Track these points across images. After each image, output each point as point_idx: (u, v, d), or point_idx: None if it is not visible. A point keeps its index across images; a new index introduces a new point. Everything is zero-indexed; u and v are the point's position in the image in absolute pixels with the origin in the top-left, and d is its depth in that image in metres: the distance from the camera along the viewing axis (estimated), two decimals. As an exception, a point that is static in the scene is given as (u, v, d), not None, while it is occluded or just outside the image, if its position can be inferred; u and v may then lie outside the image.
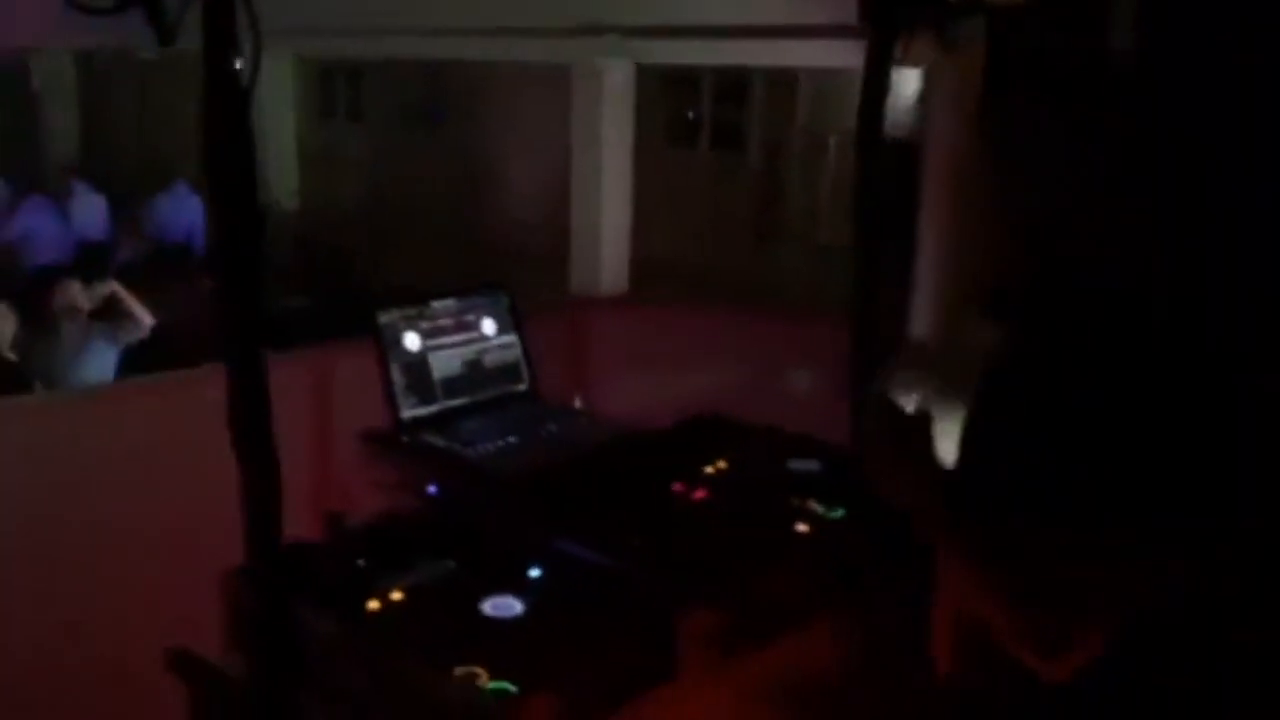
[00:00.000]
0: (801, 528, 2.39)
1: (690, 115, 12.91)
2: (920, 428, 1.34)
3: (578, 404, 3.11)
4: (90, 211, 9.75)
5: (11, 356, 5.53)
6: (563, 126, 11.71)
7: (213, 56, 1.63)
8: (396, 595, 2.03)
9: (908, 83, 2.04)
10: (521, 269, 11.85)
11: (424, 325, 2.63)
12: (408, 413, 2.55)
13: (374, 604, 2.00)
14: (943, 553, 1.46)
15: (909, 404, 1.38)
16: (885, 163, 2.15)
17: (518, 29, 9.75)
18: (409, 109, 13.98)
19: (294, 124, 13.73)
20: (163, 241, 9.64)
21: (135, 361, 6.09)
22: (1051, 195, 1.34)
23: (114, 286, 6.35)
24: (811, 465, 2.67)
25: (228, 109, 1.66)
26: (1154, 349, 1.29)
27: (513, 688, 1.76)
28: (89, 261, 7.53)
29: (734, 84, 12.55)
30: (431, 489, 2.38)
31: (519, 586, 2.08)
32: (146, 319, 6.31)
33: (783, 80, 12.24)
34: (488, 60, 12.00)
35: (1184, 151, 1.24)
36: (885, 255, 2.15)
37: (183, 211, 10.03)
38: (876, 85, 1.99)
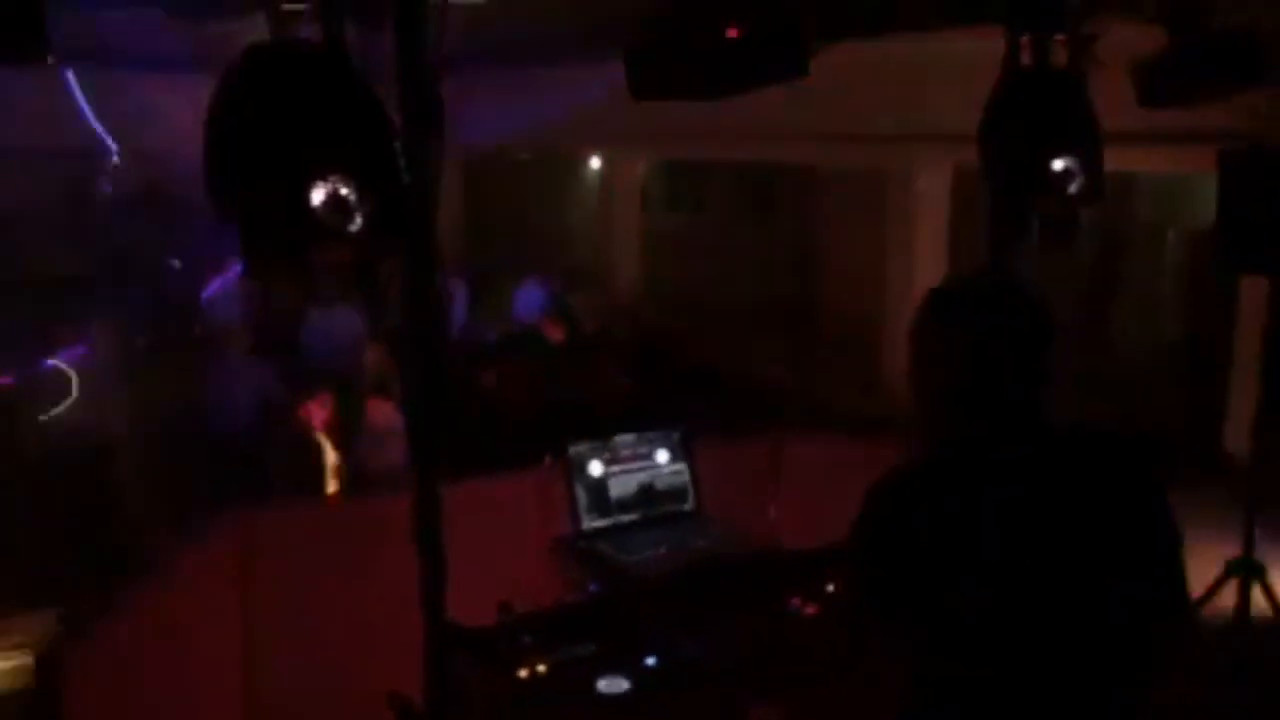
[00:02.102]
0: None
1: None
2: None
3: (772, 513, 3.71)
4: (456, 301, 11.44)
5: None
6: (882, 224, 12.21)
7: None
8: (541, 667, 2.75)
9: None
10: (840, 355, 12.44)
11: (606, 455, 3.37)
12: (587, 525, 3.30)
13: (523, 672, 2.73)
14: None
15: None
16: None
17: (842, 135, 10.49)
18: (745, 203, 15.01)
19: (639, 217, 15.17)
20: (521, 326, 11.17)
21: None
22: None
23: None
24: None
25: (409, 234, 2.23)
26: None
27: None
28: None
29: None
30: (593, 586, 3.10)
31: (634, 670, 2.74)
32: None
33: (1118, 176, 12.02)
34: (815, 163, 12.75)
35: None
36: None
37: (532, 301, 11.52)
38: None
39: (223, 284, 10.26)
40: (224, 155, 1.95)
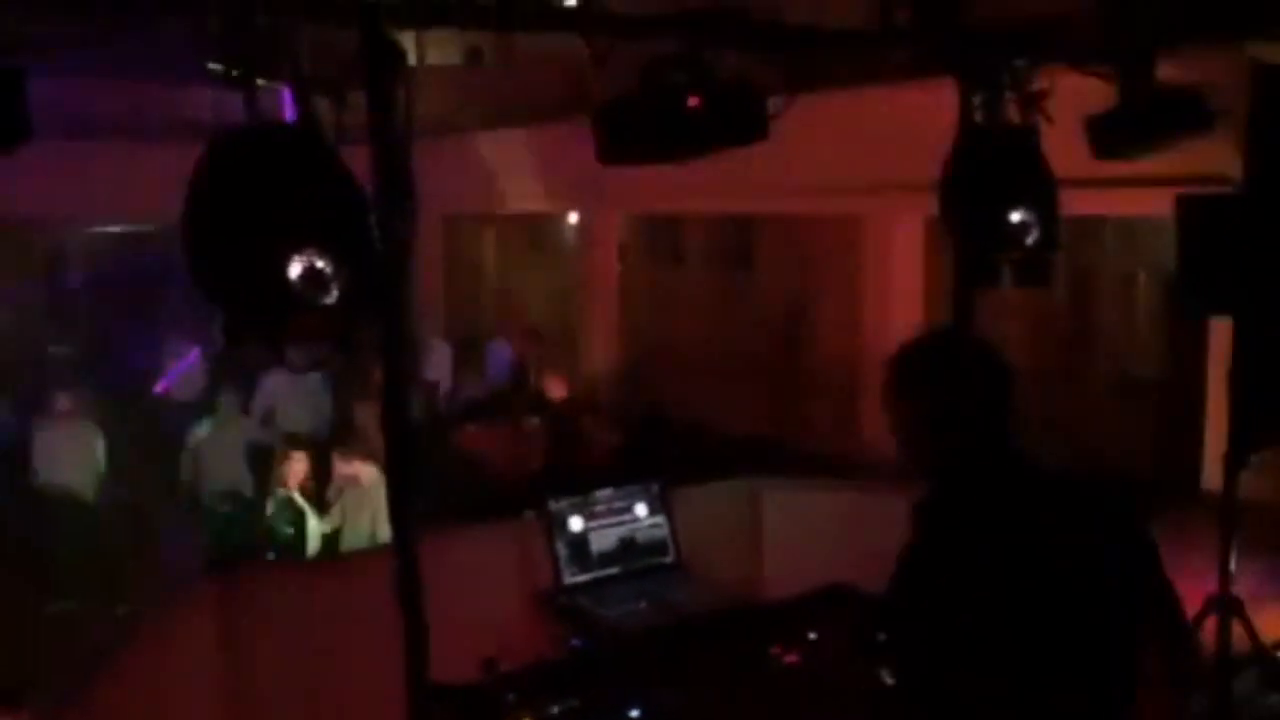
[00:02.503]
0: (859, 691, 2.91)
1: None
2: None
3: (752, 564, 3.75)
4: (439, 358, 11.53)
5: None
6: (859, 271, 12.34)
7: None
8: (526, 723, 2.78)
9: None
10: (822, 407, 12.52)
11: (586, 510, 3.42)
12: (569, 579, 3.34)
13: (508, 728, 2.76)
14: None
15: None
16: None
17: (815, 185, 10.66)
18: (724, 254, 15.18)
19: (617, 271, 15.31)
20: (495, 382, 11.23)
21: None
22: None
23: None
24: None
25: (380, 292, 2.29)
26: None
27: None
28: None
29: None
30: (575, 641, 3.13)
31: (617, 724, 2.77)
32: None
33: (1085, 218, 12.24)
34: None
35: None
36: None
37: (502, 361, 11.64)
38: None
39: (182, 367, 10.35)
40: (203, 232, 2.02)
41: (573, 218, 16.29)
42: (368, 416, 7.35)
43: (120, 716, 3.25)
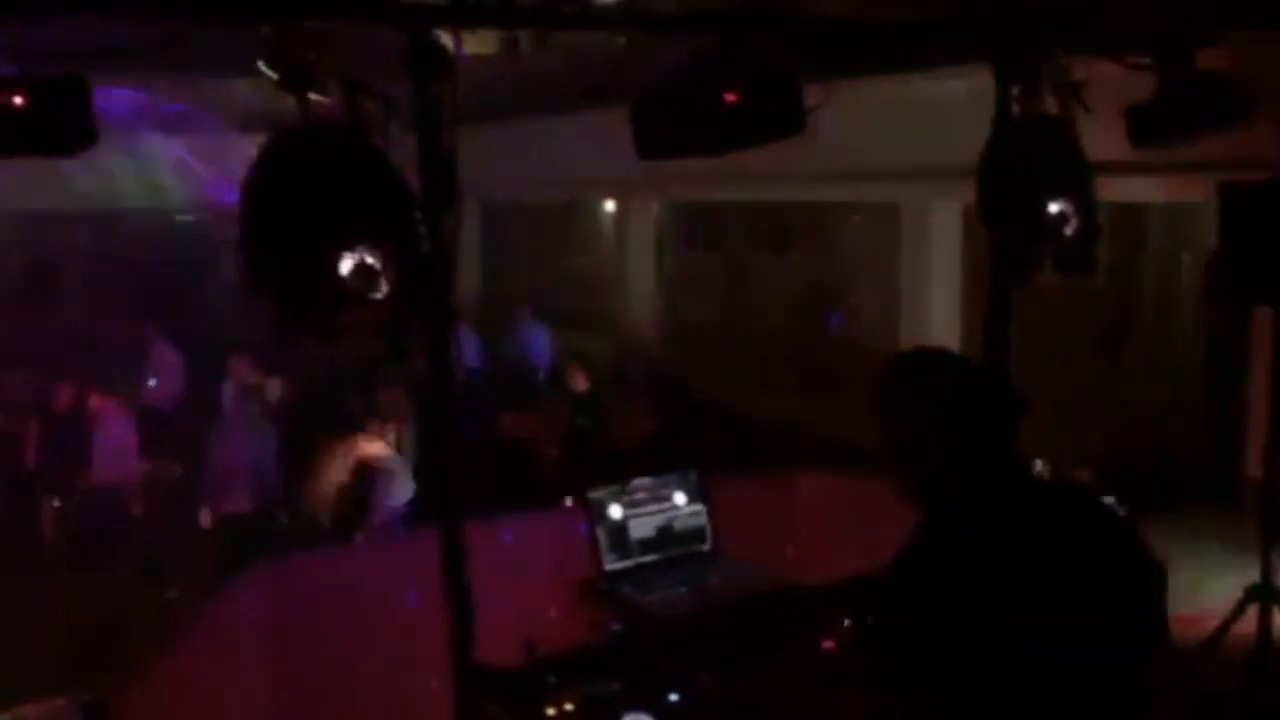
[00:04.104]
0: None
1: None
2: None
3: (789, 551, 3.81)
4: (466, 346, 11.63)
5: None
6: (896, 259, 12.29)
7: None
8: (568, 705, 2.85)
9: None
10: (855, 390, 12.49)
11: (625, 499, 3.48)
12: (609, 566, 3.40)
13: (551, 710, 2.83)
14: None
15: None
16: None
17: (854, 172, 10.64)
18: (760, 240, 15.16)
19: (655, 258, 15.34)
20: (531, 368, 11.34)
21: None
22: None
23: None
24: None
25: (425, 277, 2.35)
26: None
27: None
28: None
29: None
30: (615, 626, 3.20)
31: (657, 707, 2.83)
32: None
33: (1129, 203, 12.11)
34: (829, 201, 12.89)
35: None
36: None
37: (540, 345, 11.75)
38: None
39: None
40: (259, 228, 2.10)
41: (609, 205, 16.34)
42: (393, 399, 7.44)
43: (172, 694, 3.35)
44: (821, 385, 12.97)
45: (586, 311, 15.50)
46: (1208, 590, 5.79)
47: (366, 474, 5.88)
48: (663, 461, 4.48)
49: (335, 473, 5.75)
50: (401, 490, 5.81)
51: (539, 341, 11.88)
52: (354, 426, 6.18)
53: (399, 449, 6.29)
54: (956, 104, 7.73)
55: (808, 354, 13.87)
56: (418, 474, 5.87)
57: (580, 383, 8.65)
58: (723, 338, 14.60)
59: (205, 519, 6.82)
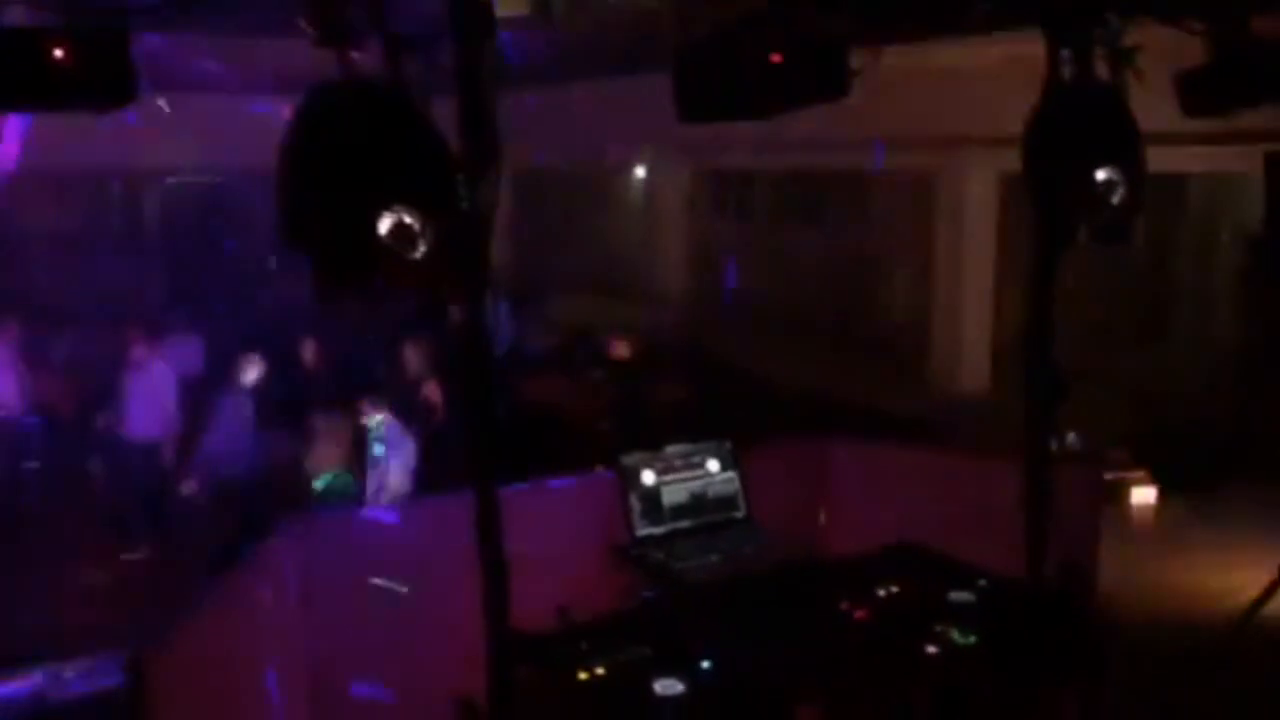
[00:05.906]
0: (931, 649, 2.93)
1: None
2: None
3: (821, 519, 3.79)
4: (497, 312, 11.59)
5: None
6: (930, 227, 12.16)
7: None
8: (600, 670, 2.85)
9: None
10: (887, 358, 12.43)
11: (659, 465, 3.46)
12: (641, 532, 3.39)
13: (583, 674, 2.83)
14: None
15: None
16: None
17: (889, 139, 10.50)
18: (792, 208, 15.05)
19: (686, 225, 15.27)
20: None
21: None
22: None
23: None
24: (967, 596, 3.17)
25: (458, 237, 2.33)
26: None
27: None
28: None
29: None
30: (647, 593, 3.19)
31: (688, 672, 2.82)
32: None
33: (1168, 176, 11.91)
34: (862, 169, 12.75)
35: None
36: None
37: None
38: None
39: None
40: (296, 188, 2.07)
41: (640, 172, 16.25)
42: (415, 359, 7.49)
43: (205, 660, 3.37)
44: (853, 355, 12.90)
45: (617, 280, 15.47)
46: (1244, 568, 5.74)
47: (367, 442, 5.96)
48: (695, 429, 4.48)
49: (337, 442, 5.83)
50: (402, 460, 5.87)
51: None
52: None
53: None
54: (994, 72, 7.62)
55: (839, 322, 13.79)
56: (452, 440, 5.90)
57: (623, 350, 8.70)
58: (754, 305, 14.52)
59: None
